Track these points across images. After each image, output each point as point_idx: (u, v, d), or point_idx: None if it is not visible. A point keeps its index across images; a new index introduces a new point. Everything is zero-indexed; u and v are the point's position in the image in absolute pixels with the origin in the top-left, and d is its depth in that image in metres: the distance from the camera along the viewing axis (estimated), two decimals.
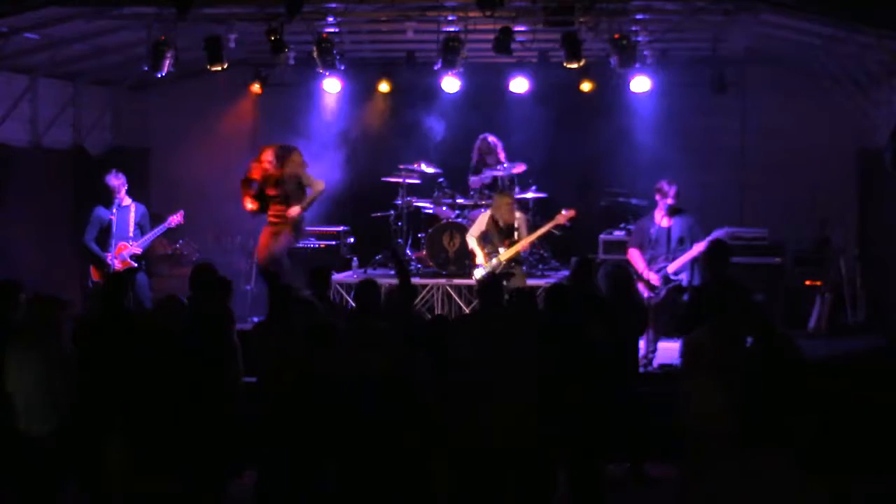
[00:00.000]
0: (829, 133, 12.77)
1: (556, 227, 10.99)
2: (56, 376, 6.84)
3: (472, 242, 11.09)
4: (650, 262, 10.08)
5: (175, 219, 11.07)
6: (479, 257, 10.90)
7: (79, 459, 7.01)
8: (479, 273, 10.69)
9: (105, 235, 10.94)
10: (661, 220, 10.16)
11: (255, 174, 11.14)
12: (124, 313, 7.53)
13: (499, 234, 10.90)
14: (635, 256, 10.17)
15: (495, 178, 12.43)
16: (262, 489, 7.10)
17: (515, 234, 10.87)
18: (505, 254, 10.78)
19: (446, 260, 11.95)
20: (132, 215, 11.02)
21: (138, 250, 10.97)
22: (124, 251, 10.89)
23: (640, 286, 10.00)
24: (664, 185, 10.15)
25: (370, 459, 6.51)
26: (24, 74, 11.82)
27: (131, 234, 10.99)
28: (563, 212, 10.96)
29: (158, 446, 6.76)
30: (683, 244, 10.03)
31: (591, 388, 6.77)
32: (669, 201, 10.10)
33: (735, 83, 13.19)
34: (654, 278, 9.98)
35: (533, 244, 11.39)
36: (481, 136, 12.53)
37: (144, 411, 6.81)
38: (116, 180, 11.01)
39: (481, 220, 11.07)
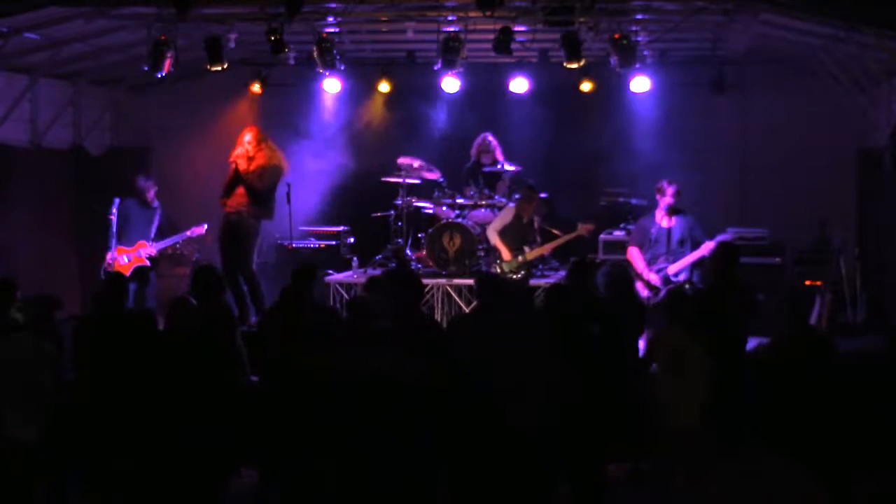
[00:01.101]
0: (829, 133, 12.76)
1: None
2: (43, 378, 6.83)
3: (493, 237, 11.22)
4: (650, 262, 10.08)
5: (197, 230, 11.14)
6: (504, 252, 11.05)
7: (77, 460, 7.01)
8: (503, 268, 10.87)
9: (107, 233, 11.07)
10: (662, 219, 10.17)
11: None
12: (125, 313, 7.55)
13: (520, 231, 11.03)
14: (635, 255, 10.18)
15: (491, 178, 12.45)
16: (262, 489, 7.10)
17: (536, 235, 11.04)
18: (530, 253, 10.96)
19: (446, 260, 11.95)
20: (157, 218, 11.20)
21: (153, 251, 11.08)
22: (142, 249, 11.00)
23: (640, 286, 10.01)
24: (664, 185, 10.17)
25: (370, 459, 6.51)
26: (24, 74, 11.83)
27: (152, 235, 11.13)
28: (584, 224, 11.24)
29: (158, 447, 6.76)
30: (684, 245, 10.03)
31: (591, 388, 6.77)
32: (668, 201, 10.11)
33: (735, 83, 13.19)
34: (655, 278, 9.98)
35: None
36: (482, 135, 12.57)
37: (145, 411, 6.81)
38: (146, 183, 11.23)
39: (505, 215, 11.27)
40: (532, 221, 11.42)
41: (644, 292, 9.98)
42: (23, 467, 6.80)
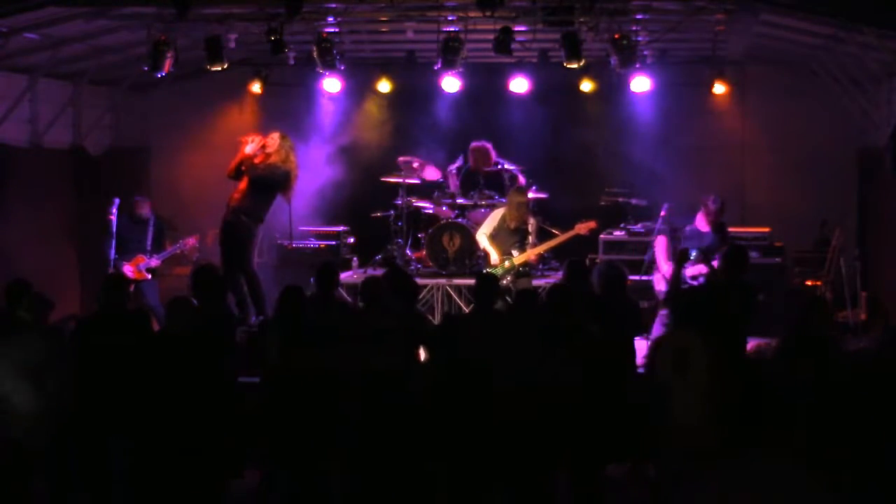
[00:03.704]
0: (829, 133, 12.77)
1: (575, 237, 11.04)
2: (47, 378, 6.82)
3: (483, 241, 11.04)
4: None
5: (190, 241, 11.42)
6: (494, 257, 10.86)
7: (78, 461, 7.01)
8: (489, 272, 10.66)
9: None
10: (701, 223, 10.09)
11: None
12: (124, 314, 7.55)
13: (509, 235, 10.85)
14: (661, 244, 10.12)
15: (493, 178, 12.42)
16: (263, 489, 7.10)
17: (529, 238, 10.84)
18: (518, 258, 10.76)
19: (446, 260, 11.95)
20: (150, 229, 11.27)
21: (153, 263, 11.26)
22: (141, 263, 11.09)
23: (657, 278, 10.03)
24: (709, 202, 10.07)
25: (372, 459, 6.51)
26: (24, 74, 11.81)
27: (148, 248, 11.24)
28: (583, 222, 10.98)
29: (159, 447, 6.76)
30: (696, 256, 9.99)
31: (590, 388, 6.77)
32: (713, 216, 10.03)
33: (735, 83, 13.19)
34: (667, 270, 9.95)
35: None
36: (473, 144, 12.46)
37: (145, 412, 6.81)
38: (140, 201, 11.51)
39: (493, 218, 11.05)
40: (522, 228, 10.90)
41: (659, 286, 9.97)
42: (25, 467, 6.80)
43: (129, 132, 14.11)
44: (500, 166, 12.41)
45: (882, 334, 8.91)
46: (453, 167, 12.57)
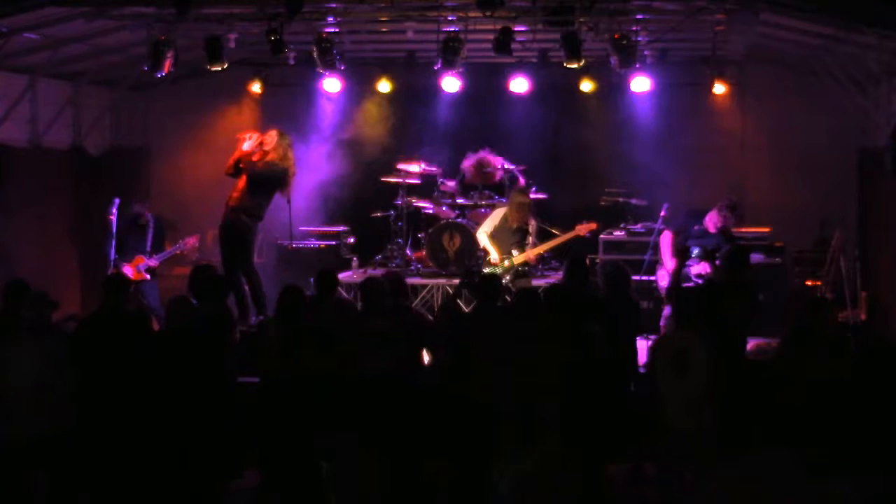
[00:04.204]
0: (829, 133, 12.76)
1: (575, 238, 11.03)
2: (48, 377, 6.83)
3: (483, 240, 11.06)
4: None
5: (190, 242, 11.41)
6: (494, 256, 10.88)
7: (78, 461, 7.01)
8: (489, 271, 10.68)
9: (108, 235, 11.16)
10: (710, 223, 10.10)
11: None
12: (124, 314, 7.55)
13: (510, 235, 10.87)
14: (665, 240, 10.13)
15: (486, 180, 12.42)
16: (263, 489, 7.10)
17: (529, 238, 10.85)
18: (518, 258, 10.78)
19: (446, 260, 11.94)
20: (150, 230, 11.29)
21: (152, 263, 11.25)
22: (140, 264, 11.10)
23: (660, 274, 10.02)
24: (728, 215, 10.10)
25: (371, 459, 6.51)
26: (23, 74, 11.82)
27: (148, 248, 11.27)
28: (584, 223, 11.02)
29: (159, 447, 6.76)
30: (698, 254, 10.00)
31: (590, 388, 6.77)
32: (728, 223, 10.07)
33: (735, 83, 13.19)
34: (671, 265, 9.95)
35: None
36: (478, 156, 12.44)
37: (145, 412, 6.81)
38: (140, 208, 11.50)
39: (495, 216, 11.07)
40: (523, 228, 10.99)
41: (663, 281, 9.97)
42: (25, 465, 6.81)
43: (129, 132, 14.11)
44: (502, 172, 12.33)
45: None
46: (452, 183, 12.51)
